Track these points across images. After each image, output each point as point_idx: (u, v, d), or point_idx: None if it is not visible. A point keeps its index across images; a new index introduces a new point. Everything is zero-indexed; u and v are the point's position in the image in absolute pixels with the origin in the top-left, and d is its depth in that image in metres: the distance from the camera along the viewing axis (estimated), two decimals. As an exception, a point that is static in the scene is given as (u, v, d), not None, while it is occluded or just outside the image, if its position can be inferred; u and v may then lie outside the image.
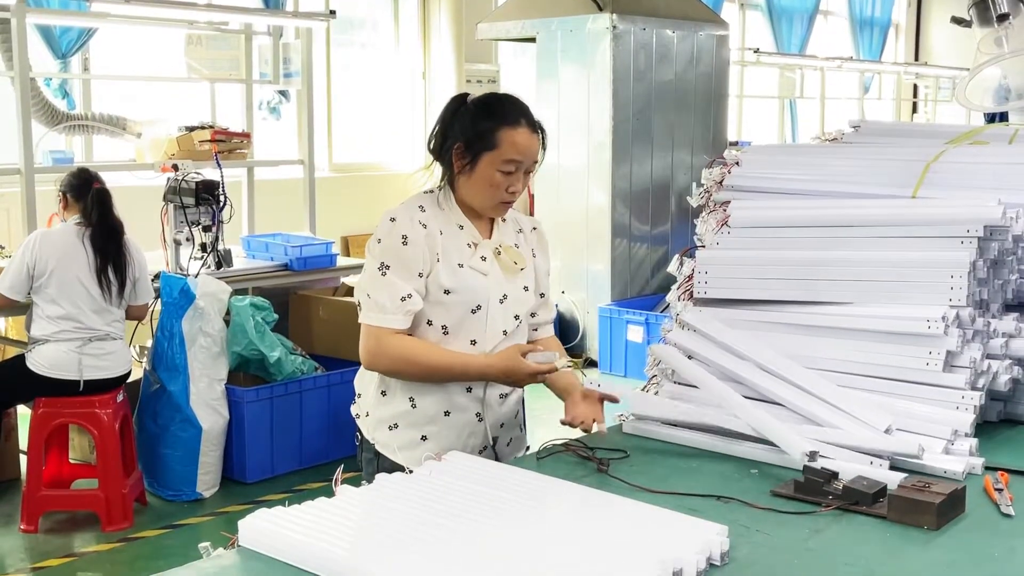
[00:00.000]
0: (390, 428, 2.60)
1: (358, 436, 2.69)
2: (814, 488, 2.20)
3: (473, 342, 2.55)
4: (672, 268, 3.06)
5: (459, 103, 2.56)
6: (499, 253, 2.60)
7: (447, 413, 2.57)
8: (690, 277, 2.98)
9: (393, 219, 2.52)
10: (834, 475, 2.20)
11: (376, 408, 2.62)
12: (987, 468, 2.38)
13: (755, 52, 11.95)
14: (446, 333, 2.55)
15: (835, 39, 14.52)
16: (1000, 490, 2.24)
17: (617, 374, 7.50)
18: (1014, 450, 2.54)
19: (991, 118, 9.54)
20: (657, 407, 2.70)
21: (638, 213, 8.02)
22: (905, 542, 2.02)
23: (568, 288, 8.05)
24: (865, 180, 3.00)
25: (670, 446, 2.58)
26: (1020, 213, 2.67)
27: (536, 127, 2.54)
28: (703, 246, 3.03)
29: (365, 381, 2.67)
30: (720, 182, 3.15)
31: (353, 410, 2.71)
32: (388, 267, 2.49)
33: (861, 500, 2.14)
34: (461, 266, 2.54)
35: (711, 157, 3.34)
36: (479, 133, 2.49)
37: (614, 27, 7.67)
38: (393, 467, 2.41)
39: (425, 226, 2.51)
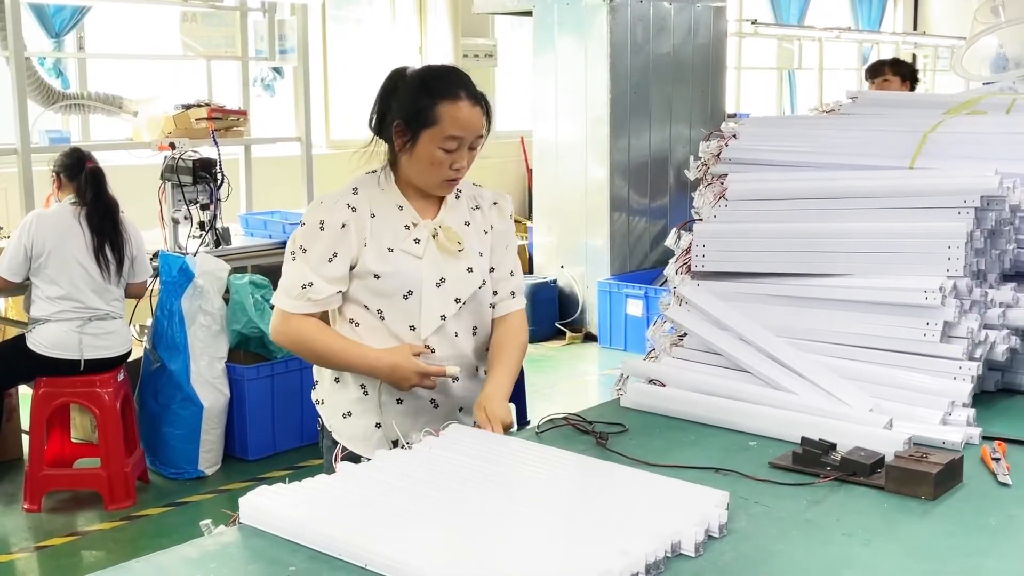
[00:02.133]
0: (344, 416, 2.56)
1: (320, 422, 2.65)
2: (812, 459, 2.21)
3: (412, 327, 2.49)
4: (670, 242, 3.06)
5: (398, 78, 2.48)
6: (436, 235, 2.51)
7: (399, 401, 2.52)
8: (688, 250, 2.97)
9: (321, 202, 2.49)
10: (832, 446, 2.21)
11: (331, 395, 2.59)
12: (985, 438, 2.38)
13: (753, 23, 11.91)
14: (382, 318, 2.50)
15: (833, 9, 14.46)
16: (997, 460, 2.24)
17: (617, 348, 7.51)
18: (1012, 420, 2.54)
19: (990, 87, 9.49)
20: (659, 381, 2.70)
21: (636, 187, 8.01)
22: (903, 512, 2.03)
23: (567, 263, 8.05)
24: (862, 151, 3.00)
25: (668, 420, 2.59)
26: (1017, 183, 2.66)
27: (478, 99, 2.45)
28: (701, 219, 3.03)
29: (321, 367, 2.62)
30: (718, 155, 3.14)
31: (313, 396, 2.67)
32: (304, 251, 2.46)
33: (859, 471, 2.15)
34: (391, 250, 2.47)
35: (709, 130, 3.32)
36: (418, 110, 2.41)
37: (611, -1, 7.64)
38: (350, 456, 2.35)
39: (354, 209, 2.46)
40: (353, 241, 2.45)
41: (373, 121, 2.52)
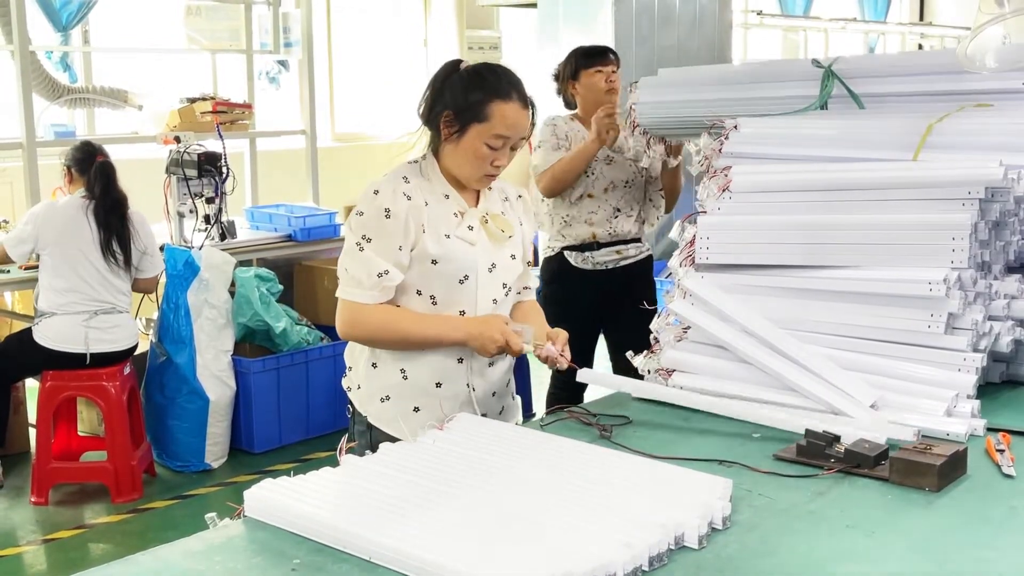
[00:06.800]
0: (382, 400, 2.59)
1: (350, 408, 2.68)
2: (816, 452, 2.21)
3: (462, 312, 2.54)
4: (674, 234, 3.06)
5: (452, 69, 2.52)
6: (486, 221, 2.57)
7: (439, 384, 2.56)
8: (692, 243, 2.97)
9: (376, 191, 2.49)
10: (836, 438, 2.21)
11: (367, 380, 2.61)
12: (989, 429, 2.38)
13: (758, 14, 11.87)
14: (435, 303, 2.54)
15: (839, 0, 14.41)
16: (1002, 451, 2.24)
17: (622, 340, 7.49)
18: (1016, 411, 2.54)
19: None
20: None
21: (642, 179, 7.98)
22: (906, 504, 2.03)
23: (572, 255, 8.03)
24: (867, 143, 2.99)
25: (672, 412, 2.59)
26: (1022, 174, 2.65)
27: (527, 103, 2.50)
28: (705, 211, 3.03)
29: (355, 354, 2.66)
30: (720, 148, 3.14)
31: (344, 383, 2.71)
32: (369, 240, 2.47)
33: (863, 463, 2.15)
34: (448, 236, 2.51)
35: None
36: (470, 103, 2.45)
37: (615, -9, 7.62)
38: (386, 439, 2.39)
39: (409, 198, 2.48)
40: (413, 229, 2.48)
41: (422, 109, 2.55)
